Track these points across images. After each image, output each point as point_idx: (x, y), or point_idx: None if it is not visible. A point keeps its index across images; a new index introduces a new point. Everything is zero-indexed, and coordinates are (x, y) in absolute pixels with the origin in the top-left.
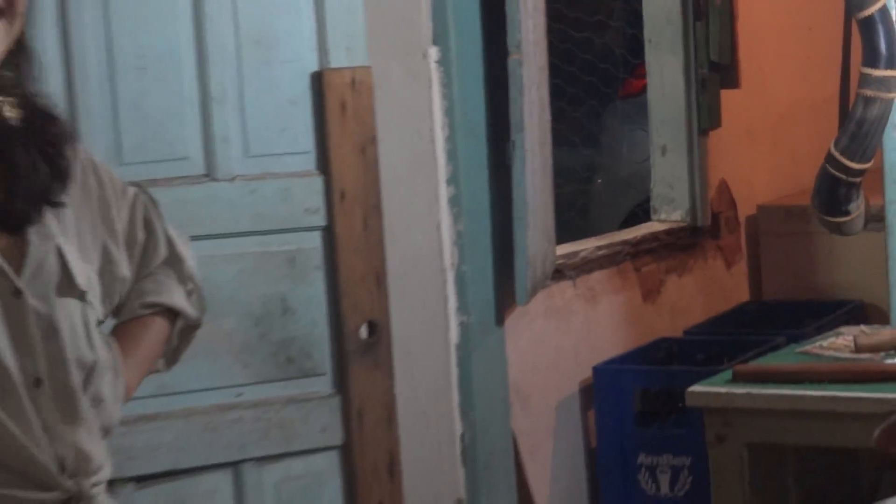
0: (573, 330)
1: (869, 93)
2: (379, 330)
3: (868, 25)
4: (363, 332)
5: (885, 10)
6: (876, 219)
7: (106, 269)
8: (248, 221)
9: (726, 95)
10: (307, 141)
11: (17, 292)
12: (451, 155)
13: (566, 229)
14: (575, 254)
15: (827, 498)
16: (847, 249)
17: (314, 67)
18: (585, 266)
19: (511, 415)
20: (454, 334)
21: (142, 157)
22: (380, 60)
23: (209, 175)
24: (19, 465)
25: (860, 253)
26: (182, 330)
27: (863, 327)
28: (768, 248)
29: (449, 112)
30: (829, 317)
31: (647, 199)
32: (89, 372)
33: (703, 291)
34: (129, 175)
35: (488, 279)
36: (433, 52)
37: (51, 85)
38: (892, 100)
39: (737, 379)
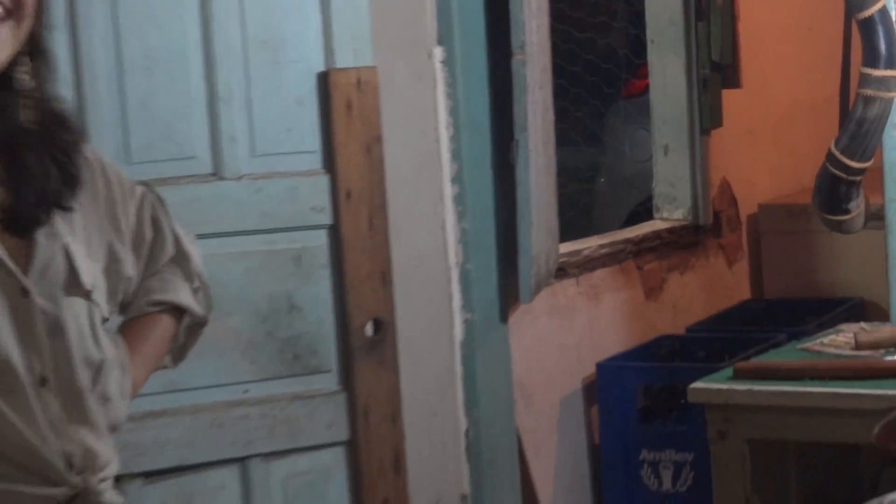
0: (576, 327)
1: (869, 92)
2: (384, 327)
3: (868, 26)
4: (369, 329)
5: (884, 11)
6: (876, 217)
7: (111, 268)
8: (254, 220)
9: (728, 95)
10: (313, 140)
11: (25, 292)
12: (456, 154)
13: (569, 228)
14: (578, 252)
15: (827, 493)
16: (847, 247)
17: (320, 68)
18: (588, 264)
19: (515, 411)
20: (459, 332)
21: (150, 157)
22: (385, 61)
23: (216, 174)
24: (27, 462)
25: (860, 251)
26: (189, 327)
27: (863, 324)
28: (769, 247)
29: (453, 112)
30: (829, 314)
31: (650, 198)
32: (97, 371)
33: (705, 289)
34: (138, 174)
35: (492, 277)
36: (438, 53)
37: (60, 85)
38: (891, 99)
39: (738, 376)
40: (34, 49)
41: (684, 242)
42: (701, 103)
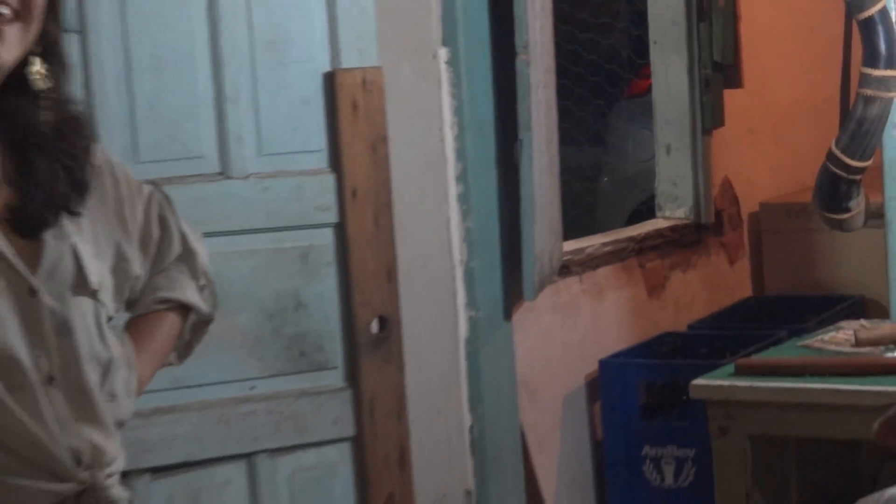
0: (580, 325)
1: (869, 92)
2: (389, 324)
3: (868, 26)
4: (374, 326)
5: (884, 12)
6: (876, 215)
7: (119, 267)
8: (261, 218)
9: (729, 95)
10: (319, 140)
11: (33, 291)
12: (460, 153)
13: (573, 226)
14: (581, 250)
15: (828, 488)
16: (847, 246)
17: (326, 68)
18: (591, 262)
19: (519, 407)
20: (463, 329)
21: (158, 156)
22: (390, 61)
23: (224, 173)
24: (36, 458)
25: (860, 249)
26: (194, 324)
27: (863, 322)
28: (770, 245)
29: (458, 111)
30: (829, 312)
31: (652, 197)
32: (105, 369)
33: (707, 287)
34: (146, 173)
35: (496, 275)
36: (443, 53)
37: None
38: (891, 99)
39: (739, 372)
40: (47, 50)
41: (686, 241)
42: (703, 103)
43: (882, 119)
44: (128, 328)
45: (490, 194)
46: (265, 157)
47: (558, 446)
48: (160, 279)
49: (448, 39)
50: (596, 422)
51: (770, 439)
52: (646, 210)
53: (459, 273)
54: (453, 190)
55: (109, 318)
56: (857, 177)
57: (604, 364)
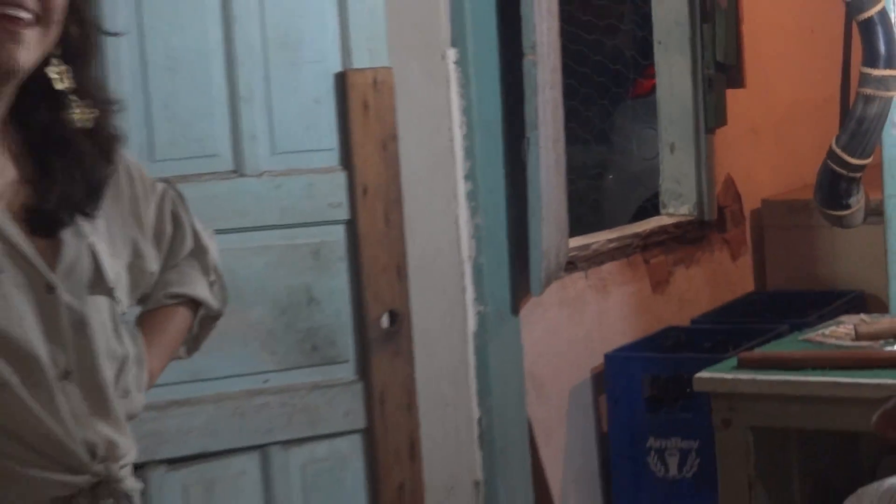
0: (585, 319)
1: (869, 91)
2: (400, 319)
3: (868, 27)
4: (385, 321)
5: (884, 13)
6: (875, 212)
7: (134, 264)
8: (274, 215)
9: (732, 95)
10: (331, 138)
11: (50, 288)
12: (469, 152)
13: (579, 223)
14: (587, 246)
15: (828, 479)
16: (847, 242)
17: (338, 68)
18: (597, 258)
19: (526, 400)
20: (472, 323)
21: (173, 154)
22: (400, 61)
23: (237, 171)
24: (51, 451)
25: (860, 245)
26: (203, 319)
27: (863, 316)
28: (772, 241)
29: (466, 111)
30: (830, 306)
31: (656, 195)
32: (120, 366)
33: (710, 282)
34: (161, 171)
35: (504, 271)
36: (451, 54)
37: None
38: (890, 98)
39: (742, 366)
40: (68, 52)
41: (690, 237)
42: (706, 103)
43: (881, 118)
44: (139, 322)
45: (498, 192)
46: (278, 155)
47: (565, 438)
48: (172, 274)
49: (457, 40)
50: (601, 414)
51: (772, 431)
52: (650, 207)
53: (468, 269)
54: (462, 187)
55: (122, 313)
56: (857, 174)
57: (609, 358)
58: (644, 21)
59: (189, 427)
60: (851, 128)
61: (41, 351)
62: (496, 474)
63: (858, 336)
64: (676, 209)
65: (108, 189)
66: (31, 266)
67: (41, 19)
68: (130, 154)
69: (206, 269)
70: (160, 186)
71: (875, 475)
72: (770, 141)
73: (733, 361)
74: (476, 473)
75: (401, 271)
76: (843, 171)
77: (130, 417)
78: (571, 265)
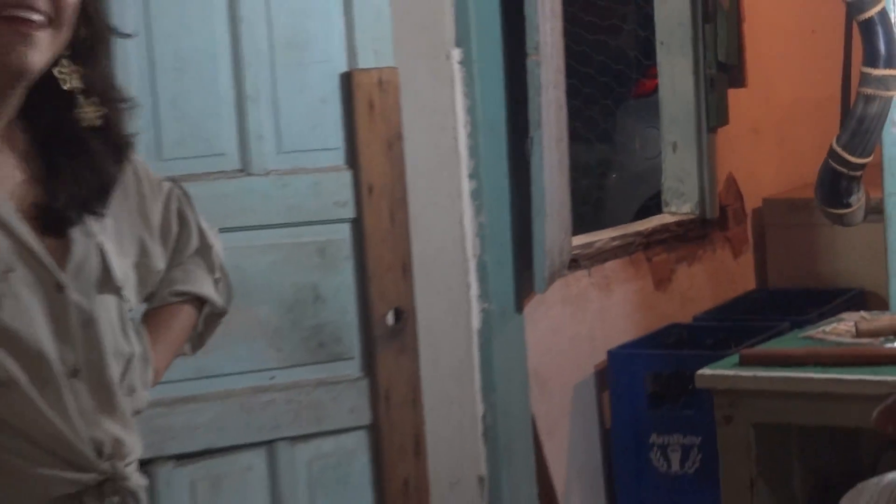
0: (588, 317)
1: (869, 91)
2: (405, 316)
3: (868, 27)
4: (390, 318)
5: (884, 13)
6: (876, 210)
7: (141, 263)
8: (281, 214)
9: (733, 94)
10: (337, 138)
11: (60, 287)
12: (473, 151)
13: (582, 221)
14: (590, 244)
15: (829, 475)
16: (848, 240)
17: (343, 68)
18: (600, 256)
19: (530, 397)
20: (476, 320)
21: (181, 154)
22: (406, 61)
23: (244, 170)
24: (58, 449)
25: (861, 243)
26: (208, 317)
27: (863, 313)
28: (773, 239)
29: (471, 110)
30: (831, 304)
31: (659, 193)
32: (127, 364)
33: (712, 280)
34: (169, 170)
35: (508, 268)
36: (456, 54)
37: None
38: (891, 97)
39: (743, 362)
40: (80, 53)
41: (692, 235)
42: (708, 102)
43: (882, 117)
44: (144, 319)
45: (502, 190)
46: (284, 154)
47: (568, 434)
48: (177, 272)
49: (461, 41)
50: (604, 410)
51: (773, 427)
52: (653, 206)
53: (472, 266)
54: (466, 186)
55: (129, 311)
56: (858, 173)
57: (612, 355)
58: (646, 21)
59: (196, 423)
60: (852, 127)
61: (50, 349)
62: (500, 470)
63: (859, 333)
64: (679, 208)
65: (116, 188)
66: (41, 265)
67: (53, 21)
68: (138, 153)
69: (211, 267)
70: (166, 185)
71: (875, 471)
72: (771, 140)
73: (735, 358)
74: (480, 469)
75: (406, 269)
76: (844, 170)
77: (135, 414)
78: (575, 263)
